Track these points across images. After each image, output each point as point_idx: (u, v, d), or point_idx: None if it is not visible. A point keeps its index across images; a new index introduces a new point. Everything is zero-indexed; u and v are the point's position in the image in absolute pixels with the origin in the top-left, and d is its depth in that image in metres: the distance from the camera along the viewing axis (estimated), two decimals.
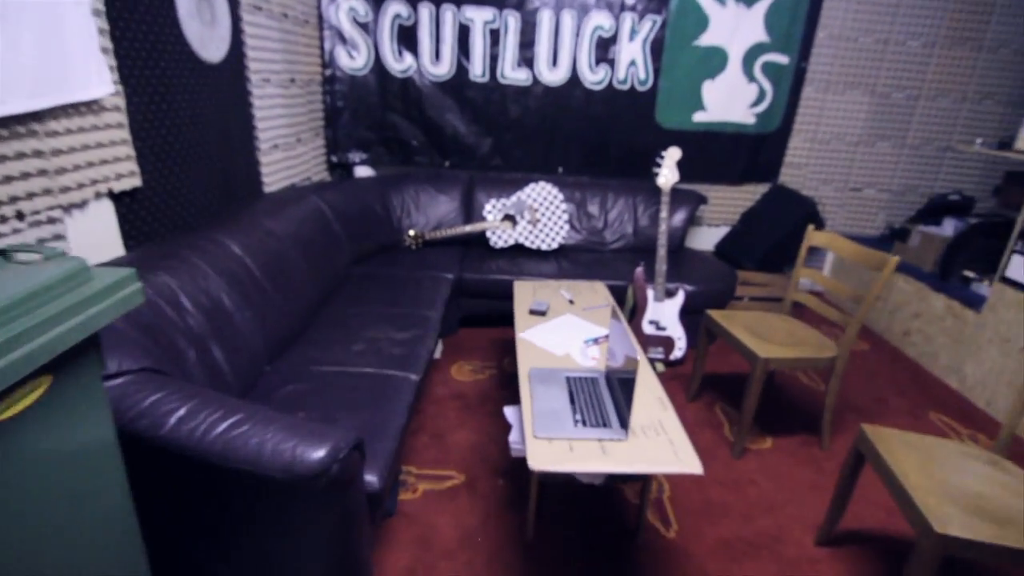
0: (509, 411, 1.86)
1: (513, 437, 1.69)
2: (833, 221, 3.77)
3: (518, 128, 3.37)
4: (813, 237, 2.28)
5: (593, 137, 3.41)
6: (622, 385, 1.54)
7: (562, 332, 2.03)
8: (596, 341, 1.95)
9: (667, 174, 2.76)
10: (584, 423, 1.47)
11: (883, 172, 3.66)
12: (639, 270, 2.72)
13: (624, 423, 1.46)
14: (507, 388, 2.53)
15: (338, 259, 2.63)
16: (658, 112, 3.35)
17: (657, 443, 1.42)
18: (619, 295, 2.91)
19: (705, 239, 3.78)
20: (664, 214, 2.72)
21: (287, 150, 2.75)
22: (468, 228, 3.17)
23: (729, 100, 3.33)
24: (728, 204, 3.68)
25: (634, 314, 2.79)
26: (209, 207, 2.09)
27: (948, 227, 3.16)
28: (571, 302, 2.34)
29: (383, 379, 1.80)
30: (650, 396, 1.64)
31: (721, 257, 3.54)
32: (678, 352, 2.77)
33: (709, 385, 2.68)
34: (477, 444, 2.13)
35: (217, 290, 1.70)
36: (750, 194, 3.65)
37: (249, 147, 2.42)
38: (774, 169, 3.59)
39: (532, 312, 2.17)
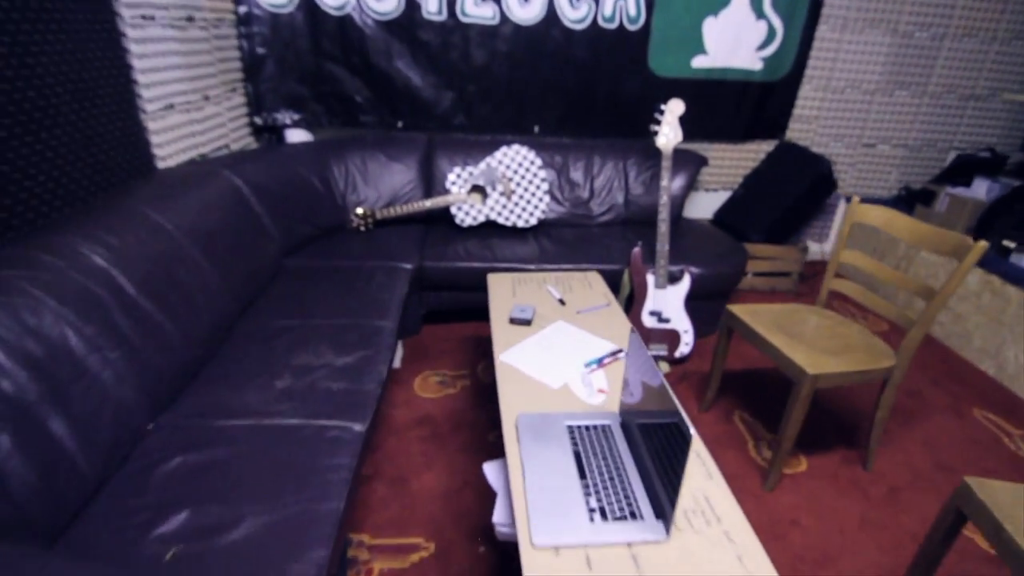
0: (490, 470, 1.39)
1: (498, 516, 1.23)
2: (843, 182, 3.35)
3: (485, 78, 2.78)
4: (861, 212, 1.83)
5: (574, 88, 2.85)
6: (647, 437, 1.09)
7: (555, 349, 1.56)
8: (601, 363, 1.49)
9: (668, 133, 2.26)
10: (603, 513, 1.02)
11: (900, 125, 3.23)
12: (636, 251, 2.25)
13: (660, 509, 1.02)
14: (484, 406, 2.07)
15: (262, 253, 2.07)
16: (651, 57, 2.81)
17: (711, 542, 0.98)
18: (612, 281, 2.45)
19: (701, 206, 3.32)
20: (665, 182, 2.24)
21: (189, 111, 2.13)
22: (428, 203, 2.63)
23: (734, 41, 2.81)
24: (729, 165, 3.21)
25: (631, 304, 2.34)
26: (61, 199, 1.50)
27: (980, 188, 2.77)
28: (561, 302, 1.86)
29: (315, 434, 1.31)
30: None
31: (721, 227, 3.10)
32: (684, 348, 2.34)
33: (721, 386, 2.27)
34: (450, 491, 1.68)
35: (59, 327, 1.16)
36: (753, 153, 3.19)
37: (128, 109, 1.81)
38: (781, 124, 3.12)
39: (513, 322, 1.69)
